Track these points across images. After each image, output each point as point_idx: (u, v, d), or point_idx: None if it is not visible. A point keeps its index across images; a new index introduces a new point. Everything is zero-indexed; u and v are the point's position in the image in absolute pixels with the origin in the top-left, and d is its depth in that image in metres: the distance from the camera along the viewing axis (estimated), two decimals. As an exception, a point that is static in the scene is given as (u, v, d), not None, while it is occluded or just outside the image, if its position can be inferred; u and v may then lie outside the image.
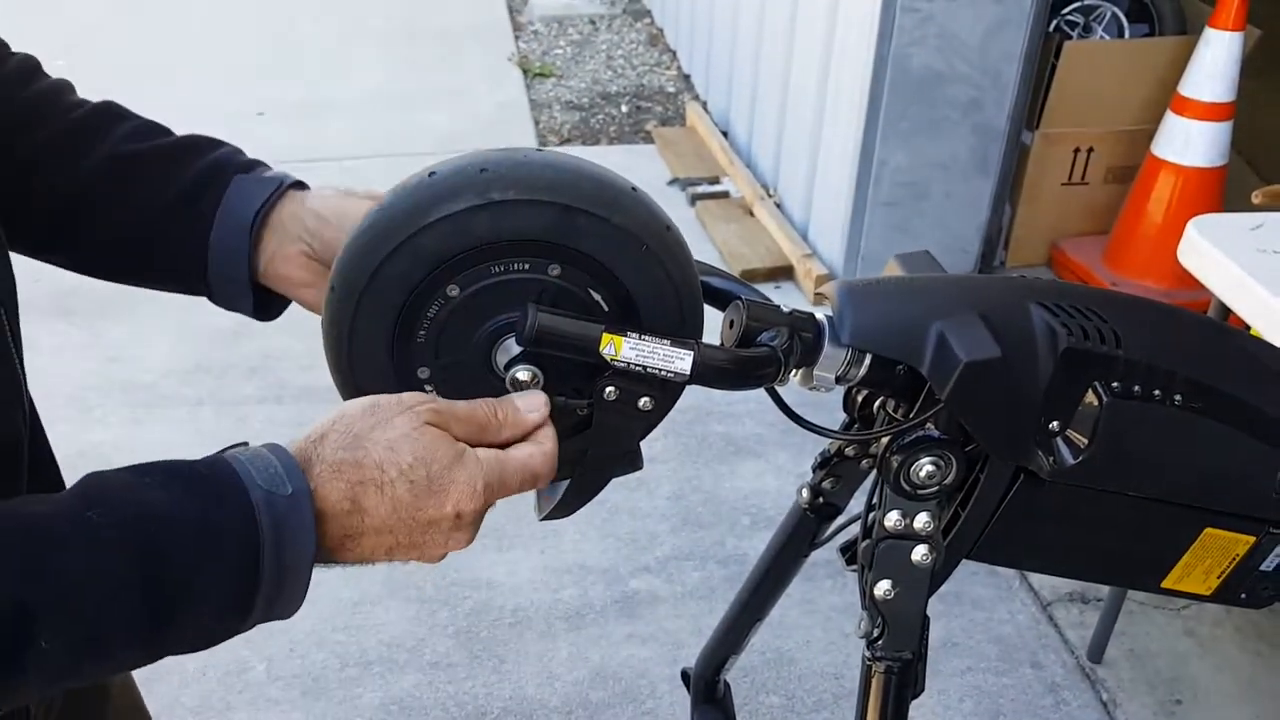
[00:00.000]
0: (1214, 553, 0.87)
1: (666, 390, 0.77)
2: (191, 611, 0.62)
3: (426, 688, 2.20)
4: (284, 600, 0.67)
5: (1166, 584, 0.90)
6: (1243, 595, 0.91)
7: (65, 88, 0.95)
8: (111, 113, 0.94)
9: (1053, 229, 3.57)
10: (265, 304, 0.93)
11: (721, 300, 0.84)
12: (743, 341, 0.77)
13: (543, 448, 0.74)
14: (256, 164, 0.94)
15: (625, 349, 0.73)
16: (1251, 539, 0.86)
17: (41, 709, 0.86)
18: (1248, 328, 1.74)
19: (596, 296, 0.76)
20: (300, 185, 0.93)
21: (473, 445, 0.72)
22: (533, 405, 0.74)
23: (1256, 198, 2.19)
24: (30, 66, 0.94)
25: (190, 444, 2.71)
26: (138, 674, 1.14)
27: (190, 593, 0.62)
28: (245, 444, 0.70)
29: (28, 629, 0.57)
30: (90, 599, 0.59)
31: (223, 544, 0.63)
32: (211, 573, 0.62)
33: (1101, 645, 2.28)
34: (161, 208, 0.90)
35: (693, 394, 0.77)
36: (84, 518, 0.60)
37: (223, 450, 0.68)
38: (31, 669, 0.58)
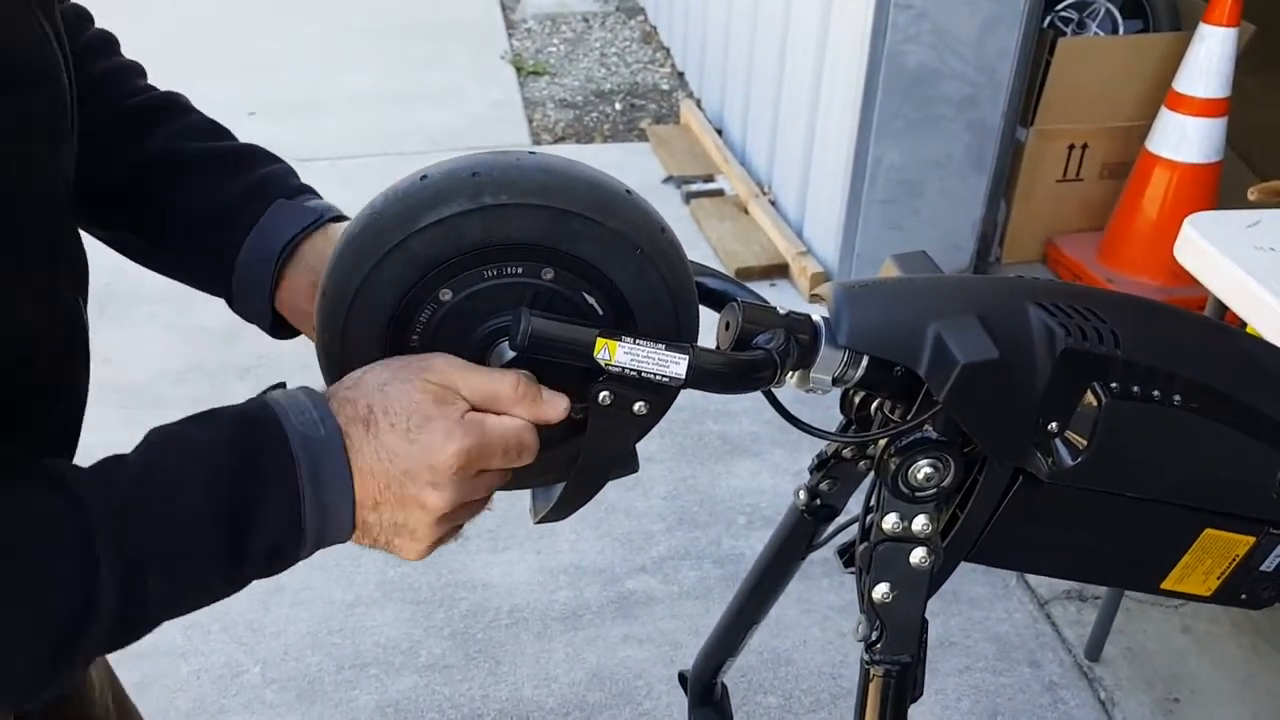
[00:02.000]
0: (1214, 553, 0.87)
1: (662, 394, 0.76)
2: (257, 528, 0.68)
3: (423, 690, 2.19)
4: (328, 492, 0.70)
5: (1166, 585, 0.89)
6: (1243, 596, 0.90)
7: (135, 70, 0.94)
8: (174, 104, 0.94)
9: (1048, 225, 3.57)
10: (282, 322, 0.94)
11: (717, 302, 0.83)
12: (739, 344, 0.77)
13: (528, 426, 0.74)
14: (304, 189, 0.94)
15: (619, 353, 0.72)
16: (1251, 539, 0.86)
17: None
18: (1244, 325, 1.73)
19: (591, 300, 0.75)
20: (340, 218, 0.92)
21: (477, 410, 0.72)
22: (554, 402, 0.74)
23: (1252, 194, 2.19)
24: (106, 41, 0.94)
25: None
26: (129, 679, 1.13)
27: (252, 513, 0.68)
28: (283, 384, 0.73)
29: (140, 575, 0.65)
30: (181, 534, 0.66)
31: (270, 465, 0.68)
32: (266, 495, 0.68)
33: (1099, 643, 2.28)
34: (199, 215, 0.90)
35: (689, 393, 0.76)
36: (158, 463, 0.67)
37: (266, 392, 0.72)
38: (148, 606, 0.66)
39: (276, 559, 0.70)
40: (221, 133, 0.94)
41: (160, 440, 0.69)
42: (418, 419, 0.70)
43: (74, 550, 0.63)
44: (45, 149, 0.71)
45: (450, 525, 0.74)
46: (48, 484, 0.65)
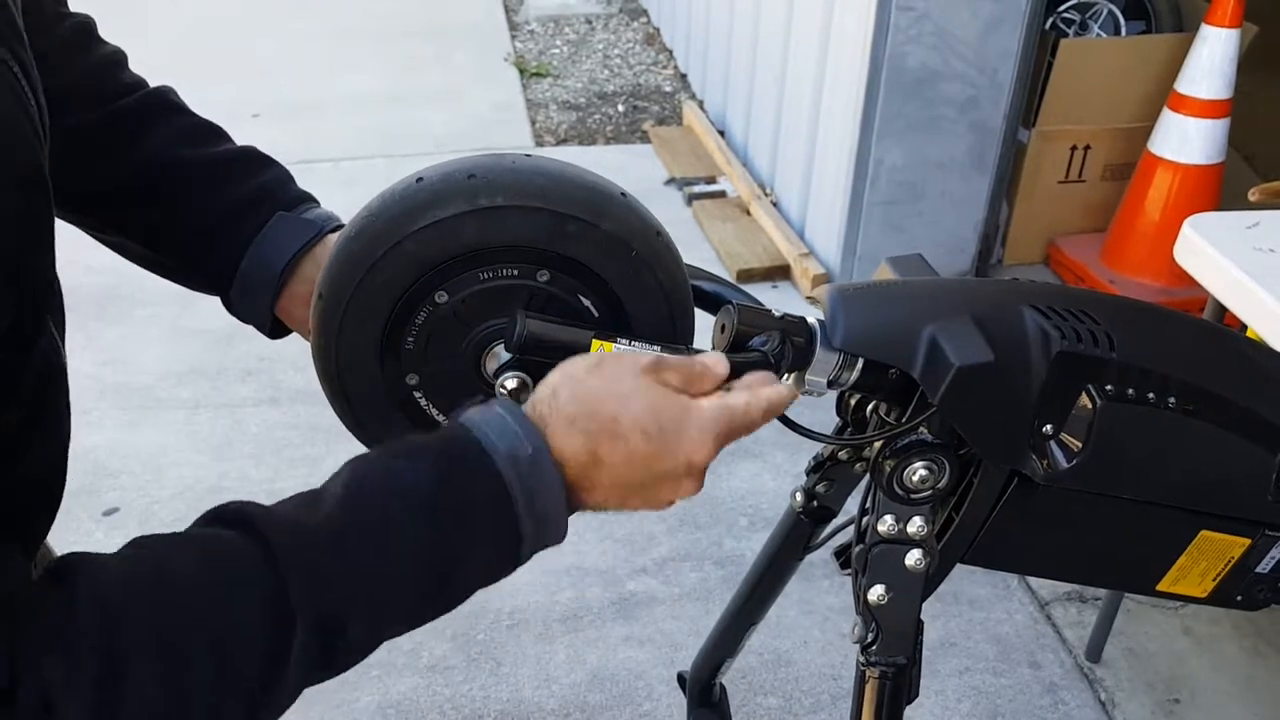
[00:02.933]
0: (1210, 555, 0.87)
1: (658, 396, 0.76)
2: (466, 572, 0.70)
3: (424, 691, 2.20)
4: (549, 536, 0.73)
5: (1162, 586, 0.89)
6: (1238, 597, 0.91)
7: (119, 61, 0.93)
8: (166, 103, 0.93)
9: (1050, 227, 3.56)
10: (277, 323, 0.94)
11: (713, 304, 0.83)
12: (734, 346, 0.77)
13: (759, 392, 0.74)
14: (303, 198, 0.94)
15: (615, 355, 0.73)
16: (1247, 541, 0.86)
17: None
18: (1244, 327, 1.73)
19: (586, 302, 0.76)
20: (339, 228, 0.92)
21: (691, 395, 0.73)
22: (718, 361, 0.75)
23: (1253, 195, 2.18)
24: (87, 31, 0.91)
25: (186, 447, 2.72)
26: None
27: (463, 562, 0.70)
28: (480, 399, 0.72)
29: (341, 628, 0.66)
30: (383, 590, 0.68)
31: (484, 519, 0.69)
32: (479, 543, 0.69)
33: (1099, 644, 2.28)
34: (200, 225, 0.90)
35: (687, 396, 0.76)
36: (359, 522, 0.66)
37: (460, 413, 0.70)
38: (347, 652, 0.68)
39: (488, 584, 0.72)
40: (217, 135, 0.94)
41: (360, 488, 0.67)
42: (668, 417, 0.70)
43: (266, 606, 0.62)
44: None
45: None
46: (241, 529, 0.63)
